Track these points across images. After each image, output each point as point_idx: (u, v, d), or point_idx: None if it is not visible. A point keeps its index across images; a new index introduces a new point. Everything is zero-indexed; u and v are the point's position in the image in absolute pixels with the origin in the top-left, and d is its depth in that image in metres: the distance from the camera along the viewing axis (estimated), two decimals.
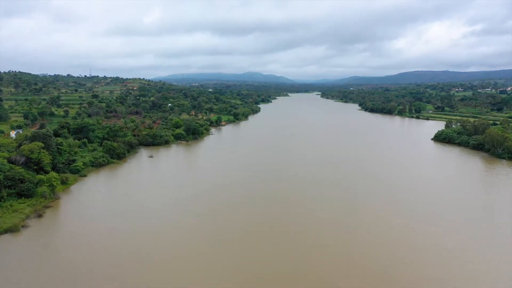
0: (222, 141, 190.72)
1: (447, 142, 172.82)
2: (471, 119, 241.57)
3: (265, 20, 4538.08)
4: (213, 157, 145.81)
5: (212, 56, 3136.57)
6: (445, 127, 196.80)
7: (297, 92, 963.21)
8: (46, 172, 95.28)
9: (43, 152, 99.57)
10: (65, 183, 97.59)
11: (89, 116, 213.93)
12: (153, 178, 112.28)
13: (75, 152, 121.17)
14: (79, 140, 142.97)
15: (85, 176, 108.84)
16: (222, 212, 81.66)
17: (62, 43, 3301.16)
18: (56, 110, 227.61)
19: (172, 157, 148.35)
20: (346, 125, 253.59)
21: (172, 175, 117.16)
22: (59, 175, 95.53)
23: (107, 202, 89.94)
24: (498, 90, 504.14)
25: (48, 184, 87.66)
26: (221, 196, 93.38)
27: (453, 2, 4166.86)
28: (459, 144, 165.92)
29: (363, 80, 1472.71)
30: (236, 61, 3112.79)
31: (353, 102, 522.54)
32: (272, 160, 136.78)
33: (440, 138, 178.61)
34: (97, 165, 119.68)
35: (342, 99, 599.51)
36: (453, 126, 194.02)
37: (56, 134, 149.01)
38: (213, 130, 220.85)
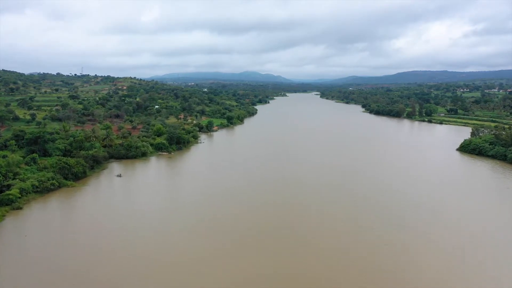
0: (212, 151, 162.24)
1: (477, 154, 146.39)
2: (491, 124, 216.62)
3: (265, 19, 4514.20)
4: (198, 174, 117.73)
5: (210, 55, 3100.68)
6: (471, 135, 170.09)
7: (295, 92, 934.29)
8: None
9: None
10: None
11: (60, 120, 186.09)
12: (114, 211, 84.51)
13: (16, 173, 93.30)
14: (32, 153, 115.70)
15: (20, 208, 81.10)
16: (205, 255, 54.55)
17: (57, 41, 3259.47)
18: (24, 114, 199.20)
19: (146, 175, 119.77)
20: (354, 132, 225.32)
21: (142, 202, 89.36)
22: None
23: (39, 255, 62.23)
24: (507, 91, 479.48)
25: None
26: (206, 230, 66.24)
27: (456, 2, 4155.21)
28: (493, 156, 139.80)
29: (361, 80, 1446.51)
30: (234, 60, 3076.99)
31: (355, 103, 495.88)
32: (272, 179, 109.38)
33: (468, 148, 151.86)
34: (43, 190, 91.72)
35: (343, 99, 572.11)
36: (480, 134, 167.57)
37: (4, 146, 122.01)
38: (203, 137, 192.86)
